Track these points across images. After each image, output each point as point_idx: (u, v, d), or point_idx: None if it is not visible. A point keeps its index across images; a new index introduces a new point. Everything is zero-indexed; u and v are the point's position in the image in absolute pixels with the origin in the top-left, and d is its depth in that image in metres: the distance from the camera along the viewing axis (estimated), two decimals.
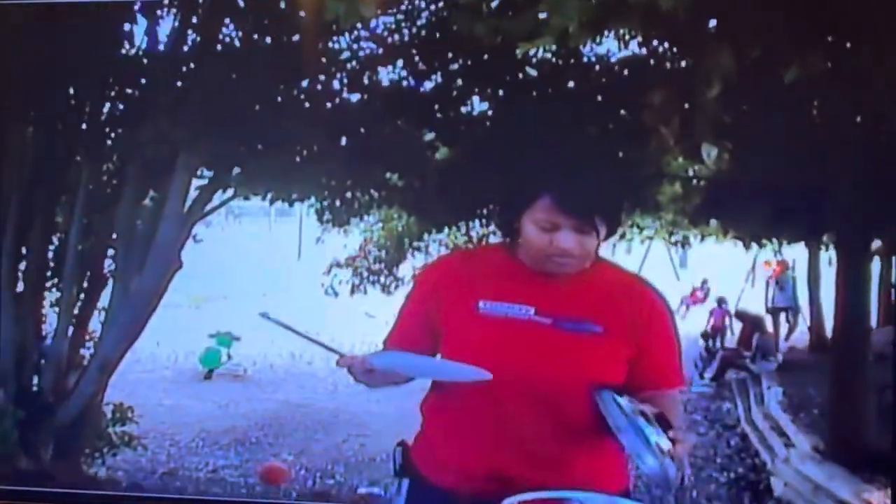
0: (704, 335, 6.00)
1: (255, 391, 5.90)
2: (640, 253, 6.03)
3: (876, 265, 5.40)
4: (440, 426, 2.47)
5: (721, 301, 6.01)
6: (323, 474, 5.30)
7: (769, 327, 5.99)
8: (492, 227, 5.51)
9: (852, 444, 4.92)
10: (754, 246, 5.78)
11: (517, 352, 2.33)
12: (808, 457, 5.02)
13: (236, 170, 5.15)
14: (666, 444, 2.07)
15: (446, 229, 5.56)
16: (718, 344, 5.99)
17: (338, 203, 5.36)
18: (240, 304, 6.10)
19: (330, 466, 5.34)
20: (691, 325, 6.02)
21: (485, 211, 5.35)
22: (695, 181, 5.39)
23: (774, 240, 5.77)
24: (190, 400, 5.70)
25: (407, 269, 5.65)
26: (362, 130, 5.03)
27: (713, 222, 5.64)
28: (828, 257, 5.56)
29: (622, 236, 5.85)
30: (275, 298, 6.14)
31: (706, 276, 6.15)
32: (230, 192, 5.24)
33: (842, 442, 4.97)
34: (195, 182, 5.13)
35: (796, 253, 5.84)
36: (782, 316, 6.02)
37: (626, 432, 2.12)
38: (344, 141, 5.05)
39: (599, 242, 2.30)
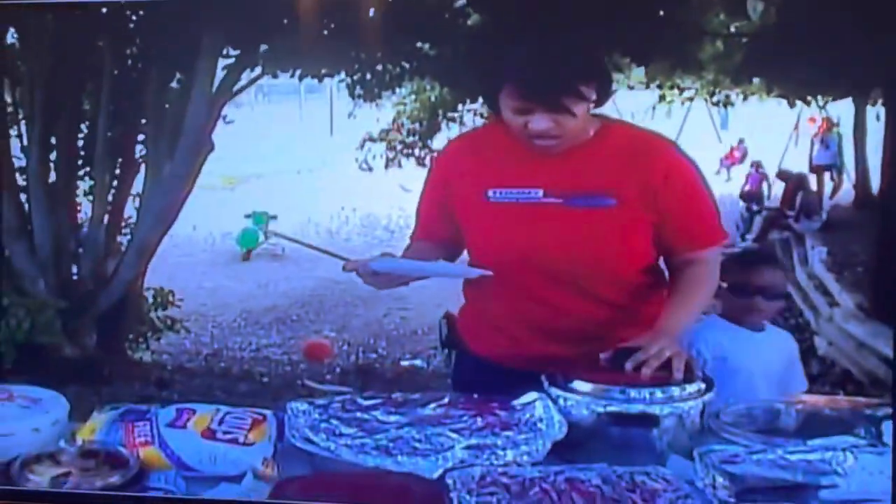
0: (743, 196, 5.95)
1: (294, 269, 5.94)
2: (681, 115, 5.94)
3: None
4: (478, 305, 2.45)
5: (757, 165, 5.94)
6: (365, 348, 5.37)
7: (813, 186, 5.94)
8: None
9: (892, 301, 4.89)
10: (798, 104, 5.68)
11: (531, 236, 2.28)
12: (852, 315, 4.98)
13: (263, 47, 5.03)
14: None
15: (480, 98, 5.51)
16: (758, 205, 5.95)
17: (368, 76, 5.25)
18: (274, 182, 6.13)
19: (372, 340, 5.40)
20: (733, 186, 5.99)
21: None
22: (737, 38, 5.27)
23: (820, 97, 5.66)
24: (230, 281, 5.77)
25: (442, 140, 5.57)
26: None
27: (756, 80, 5.52)
28: (875, 113, 5.46)
29: (662, 98, 5.77)
30: (309, 176, 6.16)
31: (749, 136, 6.08)
32: (258, 70, 5.14)
33: (886, 299, 4.94)
34: (222, 62, 5.03)
35: (842, 110, 5.74)
36: (826, 174, 5.96)
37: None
38: (371, 12, 4.94)
39: (590, 108, 2.20)
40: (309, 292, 5.75)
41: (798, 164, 5.94)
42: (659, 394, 1.93)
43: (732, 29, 5.16)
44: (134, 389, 4.86)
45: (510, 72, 2.17)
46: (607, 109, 6.18)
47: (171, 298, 5.32)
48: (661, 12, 4.72)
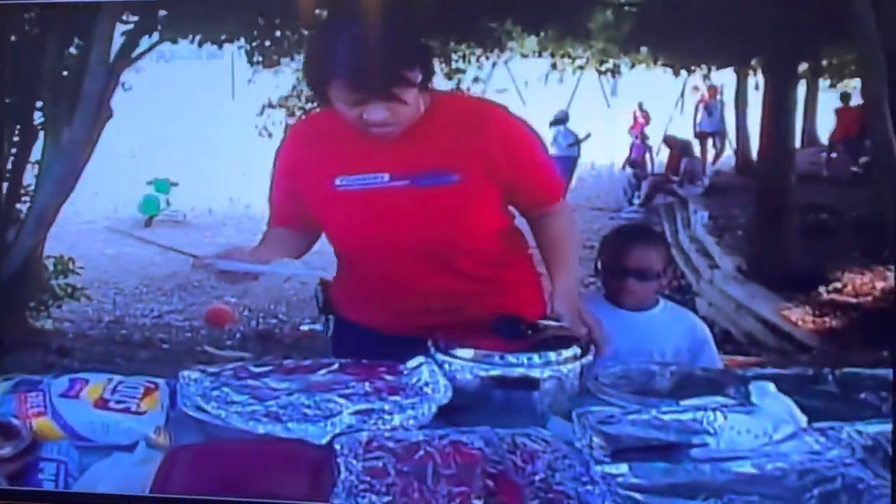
0: (629, 163, 6.06)
1: (196, 236, 5.90)
2: (572, 83, 6.00)
3: (801, 88, 5.44)
4: (346, 277, 2.41)
5: (641, 135, 6.04)
6: (266, 314, 5.34)
7: (697, 152, 6.05)
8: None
9: (774, 264, 5.03)
10: (683, 73, 5.78)
11: (383, 221, 2.27)
12: (732, 277, 5.12)
13: (162, 12, 4.94)
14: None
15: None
16: (642, 172, 6.06)
17: (267, 43, 5.19)
18: (176, 149, 6.03)
19: (272, 306, 5.37)
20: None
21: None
22: (626, 7, 5.32)
23: (704, 65, 5.75)
24: (132, 248, 5.66)
25: None
26: None
27: (644, 49, 5.59)
28: (755, 82, 5.58)
29: (554, 66, 5.81)
30: (209, 142, 6.08)
31: (637, 102, 6.16)
32: (156, 36, 5.04)
33: (764, 261, 5.08)
34: (120, 27, 4.91)
35: (724, 78, 5.85)
36: (710, 141, 6.08)
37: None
38: None
39: (420, 88, 2.17)
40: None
41: (683, 130, 6.05)
42: (536, 358, 1.97)
43: None
44: (35, 358, 4.73)
45: (338, 66, 2.11)
46: (502, 78, 6.18)
47: (71, 266, 5.22)
48: None
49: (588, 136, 5.92)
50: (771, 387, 1.93)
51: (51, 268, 5.20)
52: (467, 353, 2.01)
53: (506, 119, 2.32)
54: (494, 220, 2.34)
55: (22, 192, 5.01)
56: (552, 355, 1.98)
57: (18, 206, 5.01)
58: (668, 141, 6.04)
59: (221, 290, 5.45)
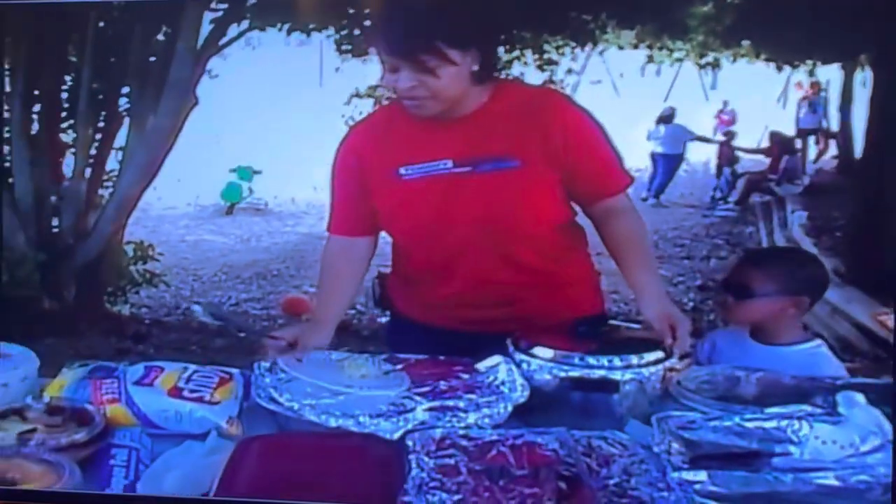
0: (723, 161, 6.00)
1: (277, 224, 5.98)
2: (669, 75, 5.96)
3: None
4: (402, 272, 2.49)
5: (728, 135, 5.98)
6: None
7: (798, 149, 5.96)
8: (515, 53, 5.46)
9: (873, 267, 4.91)
10: (787, 67, 5.69)
11: (447, 207, 2.29)
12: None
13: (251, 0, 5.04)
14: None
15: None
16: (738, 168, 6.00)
17: (356, 32, 5.22)
18: (260, 136, 6.12)
19: None
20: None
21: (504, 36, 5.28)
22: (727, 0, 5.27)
23: (808, 61, 5.66)
24: (212, 235, 5.78)
25: None
26: None
27: (745, 43, 5.52)
28: (862, 78, 5.46)
29: (650, 59, 5.77)
30: (294, 131, 6.15)
31: (737, 97, 6.09)
32: (245, 23, 5.14)
33: (863, 264, 4.96)
34: (209, 15, 5.02)
35: (830, 74, 5.75)
36: (812, 138, 5.98)
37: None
38: None
39: (467, 73, 2.18)
40: (291, 247, 5.78)
41: (784, 126, 5.97)
42: (617, 361, 1.97)
43: None
44: (110, 343, 4.86)
45: (377, 29, 2.23)
46: (597, 69, 6.14)
47: (151, 252, 5.31)
48: None
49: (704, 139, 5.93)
50: (860, 397, 1.90)
51: (130, 253, 5.30)
52: (547, 352, 2.02)
53: (567, 107, 2.35)
54: (554, 210, 2.35)
55: (105, 178, 5.13)
56: (633, 358, 1.99)
57: (101, 192, 5.14)
58: (773, 137, 5.96)
59: (300, 280, 5.52)
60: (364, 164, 2.34)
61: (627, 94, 6.00)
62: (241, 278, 5.56)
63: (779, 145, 5.86)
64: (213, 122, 5.60)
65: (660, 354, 2.02)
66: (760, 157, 6.00)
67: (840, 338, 4.76)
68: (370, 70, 5.61)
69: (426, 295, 2.43)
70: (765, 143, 5.97)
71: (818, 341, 2.52)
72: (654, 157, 5.95)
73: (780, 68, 5.58)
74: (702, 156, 6.08)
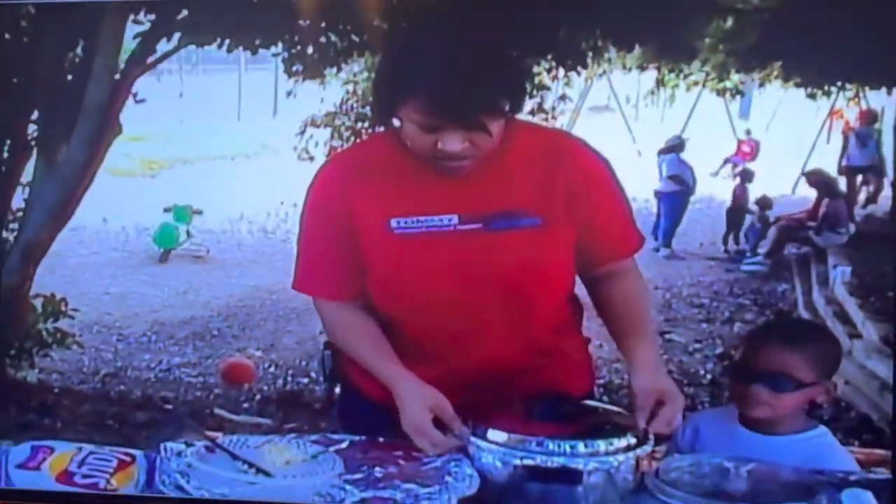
0: (758, 203, 6.01)
1: (219, 275, 6.00)
2: (687, 102, 5.98)
3: None
4: None
5: (744, 176, 6.02)
6: (295, 372, 5.39)
7: (843, 191, 5.96)
8: None
9: None
10: (831, 92, 5.72)
11: (449, 272, 2.27)
12: (876, 349, 5.00)
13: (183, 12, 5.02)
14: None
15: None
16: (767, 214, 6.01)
17: (310, 50, 5.26)
18: (202, 170, 6.17)
19: (304, 363, 5.42)
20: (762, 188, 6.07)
21: None
22: (751, 14, 5.30)
23: (850, 84, 5.68)
24: (142, 287, 5.79)
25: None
26: None
27: (777, 64, 5.55)
28: None
29: (660, 82, 5.82)
30: (244, 163, 6.20)
31: (772, 126, 6.12)
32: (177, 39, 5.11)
33: None
34: (133, 28, 5.00)
35: (882, 100, 5.73)
36: (860, 178, 5.99)
37: None
38: None
39: (506, 118, 2.17)
40: (235, 302, 5.80)
41: (827, 163, 5.99)
42: (581, 447, 2.01)
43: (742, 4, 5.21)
44: (10, 415, 4.73)
45: (419, 82, 2.12)
46: (601, 93, 6.18)
47: (63, 307, 5.29)
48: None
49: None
50: (868, 496, 1.95)
51: (39, 309, 5.26)
52: (499, 436, 2.06)
53: (588, 155, 2.38)
54: (568, 276, 2.39)
55: (10, 219, 5.08)
56: (601, 444, 2.03)
57: (4, 234, 5.09)
58: (810, 177, 5.98)
59: (244, 341, 5.56)
60: (353, 207, 2.30)
61: (637, 124, 6.07)
62: (175, 338, 5.56)
63: (818, 186, 5.88)
64: (146, 153, 5.66)
65: (631, 440, 2.06)
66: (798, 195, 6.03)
67: (891, 420, 4.77)
68: (328, 94, 5.68)
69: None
70: (801, 185, 5.99)
71: (822, 429, 2.52)
72: (658, 195, 5.99)
73: (812, 95, 5.60)
74: (727, 195, 6.11)
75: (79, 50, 5.00)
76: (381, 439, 2.21)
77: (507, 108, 2.17)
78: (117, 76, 5.02)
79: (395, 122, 2.19)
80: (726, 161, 6.09)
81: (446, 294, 2.30)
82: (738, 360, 2.58)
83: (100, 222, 5.77)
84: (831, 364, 2.52)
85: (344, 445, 2.18)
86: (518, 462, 2.02)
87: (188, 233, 6.01)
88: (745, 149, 6.06)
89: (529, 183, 2.28)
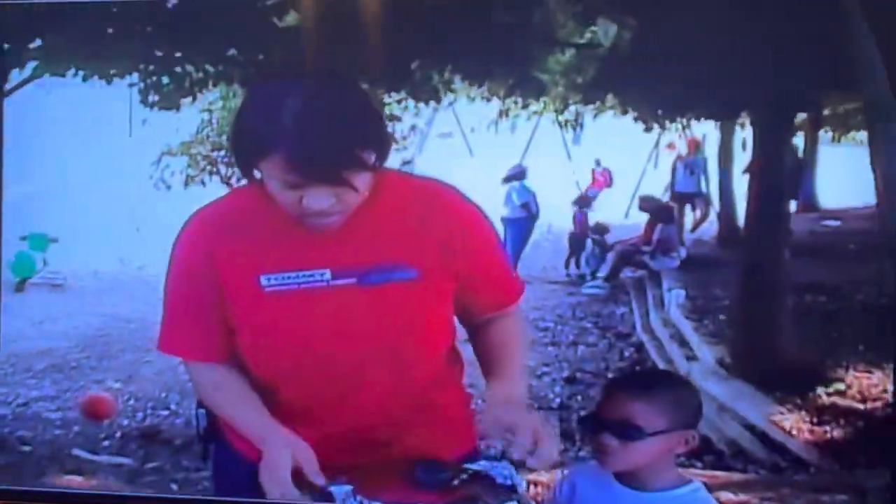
0: (596, 229, 6.03)
1: (77, 304, 5.77)
2: (525, 130, 5.97)
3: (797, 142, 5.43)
4: None
5: (582, 201, 6.03)
6: (156, 404, 5.22)
7: (674, 216, 6.02)
8: None
9: (762, 357, 4.98)
10: (656, 126, 5.78)
11: (323, 329, 2.21)
12: (712, 372, 5.04)
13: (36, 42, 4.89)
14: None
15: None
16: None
17: (165, 80, 5.14)
18: (56, 198, 5.94)
19: (164, 394, 5.23)
20: (599, 215, 6.05)
21: None
22: (590, 50, 5.31)
23: (682, 118, 5.75)
24: None
25: None
26: None
27: (610, 97, 5.58)
28: (742, 139, 5.58)
29: (504, 113, 5.80)
30: (96, 192, 5.99)
31: (602, 154, 6.14)
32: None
33: (750, 354, 5.03)
34: None
35: (706, 129, 5.83)
36: (689, 205, 6.06)
37: None
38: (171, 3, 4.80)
39: (373, 170, 2.14)
40: (93, 332, 5.60)
41: (657, 189, 6.04)
42: None
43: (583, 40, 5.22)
44: None
45: (278, 138, 2.05)
46: (449, 121, 6.17)
47: None
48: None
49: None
50: None
51: None
52: None
53: (462, 204, 2.35)
54: (448, 327, 2.35)
55: None
56: None
57: None
58: (645, 203, 6.01)
59: (103, 372, 5.36)
60: (219, 266, 2.23)
61: (481, 151, 6.03)
62: (32, 371, 5.34)
63: (651, 212, 5.92)
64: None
65: None
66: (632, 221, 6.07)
67: (730, 441, 4.80)
68: (183, 123, 5.54)
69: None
70: (633, 209, 6.02)
71: (696, 484, 2.49)
72: (504, 221, 5.98)
73: (649, 128, 5.66)
74: (567, 221, 6.13)
75: None
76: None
77: (372, 160, 2.11)
78: None
79: (258, 175, 2.14)
80: (584, 194, 6.09)
81: (321, 352, 2.23)
82: (589, 412, 2.53)
83: None
84: (687, 413, 2.49)
85: None
86: None
87: (44, 261, 5.80)
88: (600, 178, 6.07)
89: (403, 234, 2.23)
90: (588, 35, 5.18)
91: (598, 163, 6.11)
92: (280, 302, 2.21)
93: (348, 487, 2.09)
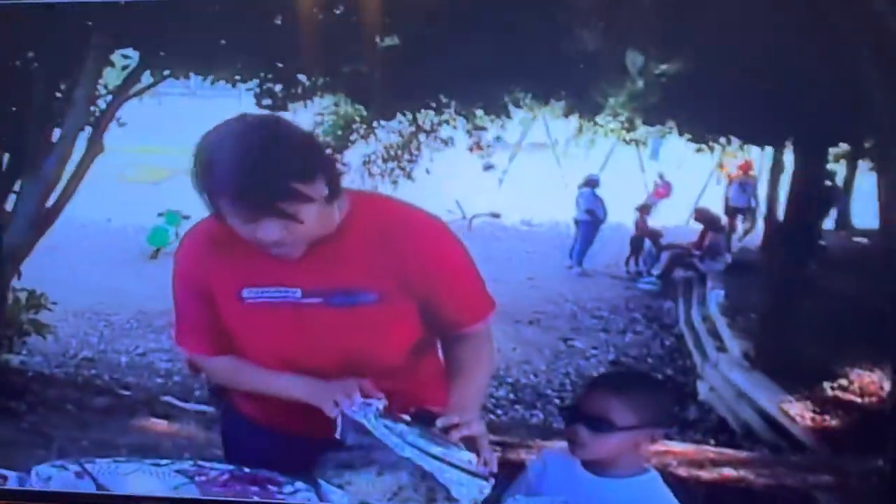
0: (654, 233, 6.05)
1: None
2: (604, 145, 5.99)
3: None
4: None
5: (643, 209, 6.04)
6: None
7: (724, 227, 6.01)
8: (444, 116, 5.50)
9: (781, 353, 4.97)
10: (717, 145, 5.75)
11: (293, 340, 2.21)
12: (737, 363, 5.07)
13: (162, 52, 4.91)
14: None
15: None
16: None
17: (278, 87, 5.18)
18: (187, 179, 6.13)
19: None
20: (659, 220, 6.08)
21: (433, 102, 5.33)
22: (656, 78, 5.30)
23: (735, 139, 5.72)
24: (131, 280, 5.76)
25: (353, 156, 5.64)
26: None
27: (670, 122, 5.57)
28: (788, 159, 5.52)
29: (580, 129, 5.83)
30: None
31: (675, 169, 6.14)
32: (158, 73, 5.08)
33: (771, 349, 5.01)
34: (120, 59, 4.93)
35: (759, 153, 5.77)
36: (739, 217, 6.04)
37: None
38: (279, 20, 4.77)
39: (321, 198, 2.09)
40: None
41: (716, 203, 6.02)
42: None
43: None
44: None
45: (223, 178, 2.05)
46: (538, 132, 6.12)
47: (43, 301, 5.16)
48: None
49: None
50: None
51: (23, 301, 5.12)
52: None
53: (425, 231, 2.29)
54: (413, 336, 2.31)
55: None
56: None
57: None
58: (698, 214, 6.03)
59: None
60: (210, 277, 2.26)
61: (566, 161, 6.07)
62: (153, 326, 5.49)
63: (704, 221, 5.92)
64: (154, 162, 5.63)
65: None
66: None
67: (743, 423, 4.81)
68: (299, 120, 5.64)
69: (270, 407, 2.35)
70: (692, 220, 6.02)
71: (652, 473, 2.45)
72: (576, 222, 6.02)
73: (711, 149, 5.62)
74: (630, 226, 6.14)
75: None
76: (246, 470, 2.12)
77: (321, 192, 2.08)
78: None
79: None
80: (646, 202, 6.10)
81: (290, 361, 2.24)
82: (569, 403, 2.55)
83: (105, 221, 5.71)
84: (655, 413, 2.45)
85: (208, 475, 2.11)
86: None
87: (177, 234, 6.00)
88: (661, 190, 6.09)
89: (365, 259, 2.20)
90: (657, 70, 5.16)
91: (660, 176, 6.12)
92: (257, 314, 2.22)
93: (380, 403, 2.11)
